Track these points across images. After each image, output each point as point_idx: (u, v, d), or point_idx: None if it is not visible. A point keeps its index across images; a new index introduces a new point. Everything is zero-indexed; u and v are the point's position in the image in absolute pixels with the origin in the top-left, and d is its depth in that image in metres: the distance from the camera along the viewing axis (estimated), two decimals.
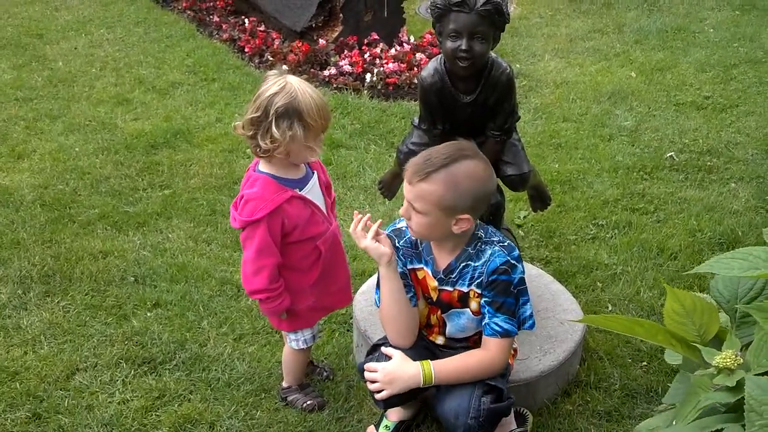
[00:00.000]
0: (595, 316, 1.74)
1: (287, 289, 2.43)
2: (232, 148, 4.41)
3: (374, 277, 3.00)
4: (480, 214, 2.23)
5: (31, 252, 3.50)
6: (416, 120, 2.79)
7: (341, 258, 2.59)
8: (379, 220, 2.27)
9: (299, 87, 2.28)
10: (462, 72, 2.55)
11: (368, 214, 2.24)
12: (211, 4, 6.56)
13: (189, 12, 6.48)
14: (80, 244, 3.57)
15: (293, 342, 2.59)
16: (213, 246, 3.59)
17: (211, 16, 6.35)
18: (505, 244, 2.21)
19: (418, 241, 2.31)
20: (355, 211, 2.25)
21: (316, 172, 2.50)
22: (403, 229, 2.32)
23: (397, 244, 2.31)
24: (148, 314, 3.15)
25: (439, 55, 2.66)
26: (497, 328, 2.17)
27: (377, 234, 2.21)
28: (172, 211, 3.83)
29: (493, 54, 2.62)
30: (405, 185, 2.16)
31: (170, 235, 3.65)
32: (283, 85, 2.28)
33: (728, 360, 1.44)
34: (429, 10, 2.64)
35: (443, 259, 2.26)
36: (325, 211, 2.50)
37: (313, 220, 2.42)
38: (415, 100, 5.01)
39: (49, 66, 5.48)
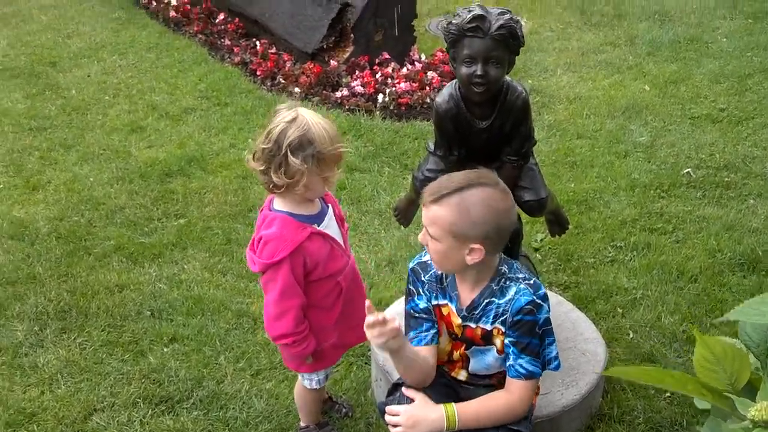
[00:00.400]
0: (622, 369, 1.71)
1: (311, 330, 2.38)
2: (246, 175, 4.39)
3: (392, 308, 2.97)
4: (499, 249, 2.19)
5: (48, 287, 3.50)
6: (431, 146, 2.76)
7: (360, 291, 2.55)
8: (384, 315, 2.05)
9: (312, 119, 2.23)
10: (477, 98, 2.52)
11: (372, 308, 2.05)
12: (223, 27, 6.57)
13: (200, 36, 6.49)
14: (96, 277, 3.56)
15: (306, 381, 2.54)
16: (228, 276, 3.58)
17: (223, 40, 6.36)
18: (531, 282, 2.16)
19: (444, 276, 2.27)
20: (367, 302, 2.04)
21: (330, 205, 2.46)
22: (429, 262, 2.28)
23: (422, 278, 2.27)
24: (165, 350, 3.14)
25: (454, 81, 2.63)
26: (521, 370, 2.13)
27: (384, 323, 2.02)
28: (188, 240, 3.82)
29: (508, 78, 2.59)
30: (422, 209, 2.13)
31: (186, 266, 3.64)
32: (295, 116, 2.20)
33: (764, 412, 1.39)
34: (443, 35, 2.60)
35: (466, 295, 2.22)
36: (342, 245, 2.46)
37: (333, 256, 2.37)
38: (428, 120, 4.99)
39: (62, 94, 5.49)
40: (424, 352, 2.25)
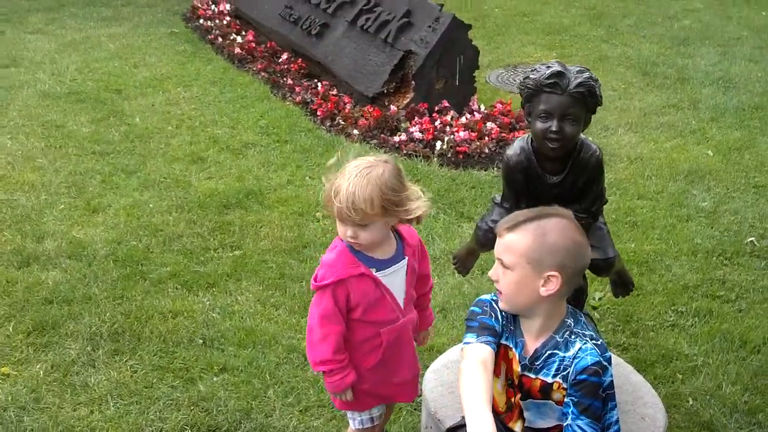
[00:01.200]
0: None
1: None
2: (303, 211, 4.41)
3: (446, 356, 2.91)
4: (572, 286, 2.13)
5: (103, 308, 3.52)
6: (498, 198, 2.74)
7: (408, 353, 2.47)
8: None
9: (381, 175, 2.18)
10: (551, 153, 2.50)
11: None
12: (285, 67, 6.68)
13: (263, 74, 6.61)
14: (151, 302, 3.58)
15: (350, 420, 2.51)
16: (281, 311, 3.57)
17: (285, 79, 6.46)
18: (599, 342, 2.10)
19: (515, 319, 2.21)
20: None
21: (407, 258, 2.39)
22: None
23: (498, 315, 2.21)
24: (215, 379, 3.12)
25: (526, 134, 2.62)
26: None
27: None
28: (242, 272, 3.83)
29: (582, 135, 2.56)
30: (496, 243, 2.09)
31: (239, 298, 3.64)
32: (368, 173, 2.17)
33: None
34: (518, 89, 2.60)
35: (531, 344, 2.17)
36: (401, 302, 2.39)
37: (381, 305, 2.33)
38: (485, 170, 4.98)
39: (126, 121, 5.61)
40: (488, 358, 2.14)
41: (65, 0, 8.77)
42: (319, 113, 5.79)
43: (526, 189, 2.62)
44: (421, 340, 2.63)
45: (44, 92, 6.07)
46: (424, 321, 2.59)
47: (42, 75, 6.44)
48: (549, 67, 2.46)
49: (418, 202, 2.27)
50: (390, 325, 2.36)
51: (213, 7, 8.26)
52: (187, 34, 7.74)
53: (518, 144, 2.62)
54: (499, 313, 2.20)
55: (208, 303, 3.60)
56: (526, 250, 2.01)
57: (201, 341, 3.33)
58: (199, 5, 8.34)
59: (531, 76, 2.49)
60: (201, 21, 7.99)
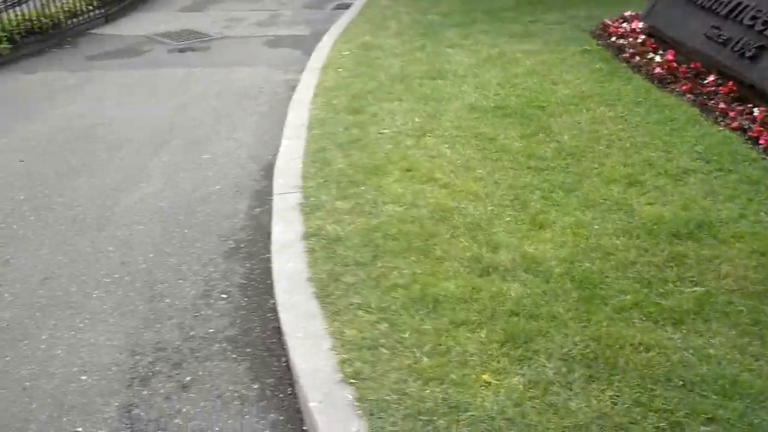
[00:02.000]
0: None
1: None
2: (765, 251, 4.01)
3: None
4: None
5: (570, 329, 3.47)
6: None
7: None
8: None
9: None
10: None
11: None
12: (713, 89, 6.26)
13: (689, 95, 6.25)
14: (617, 330, 3.46)
15: None
16: (762, 362, 3.23)
17: (715, 102, 6.04)
18: None
19: None
20: None
21: None
22: None
23: None
24: (702, 429, 2.89)
25: None
26: None
27: None
28: (710, 312, 3.55)
29: None
30: None
31: (712, 341, 3.37)
32: None
33: None
34: None
35: None
36: None
37: None
38: None
39: (555, 138, 5.61)
40: None
41: (476, 17, 9.15)
42: (761, 142, 5.30)
43: None
44: None
45: (472, 105, 6.33)
46: None
47: (466, 88, 6.74)
48: None
49: None
50: None
51: (625, 25, 8.07)
52: (599, 52, 7.63)
53: None
54: None
55: (678, 341, 3.38)
56: None
57: (680, 383, 3.13)
58: (611, 23, 8.19)
59: None
60: (613, 39, 7.84)
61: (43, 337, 3.80)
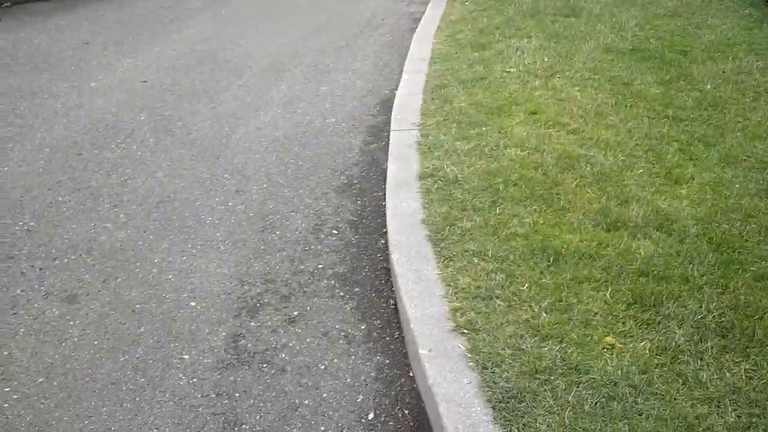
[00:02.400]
0: None
1: None
2: None
3: None
4: None
5: (704, 295, 3.18)
6: None
7: None
8: None
9: None
10: None
11: None
12: None
13: None
14: (756, 299, 3.15)
15: None
16: None
17: None
18: None
19: None
20: None
21: None
22: None
23: None
24: None
25: None
26: None
27: None
28: None
29: None
30: None
31: None
32: None
33: None
34: None
35: None
36: None
37: None
38: None
39: (696, 87, 5.18)
40: None
41: None
42: None
43: None
44: None
45: (607, 46, 5.93)
46: None
47: (602, 27, 6.33)
48: None
49: None
50: None
51: None
52: None
53: None
54: None
55: None
56: None
57: None
58: None
59: None
60: None
61: (156, 260, 3.82)
